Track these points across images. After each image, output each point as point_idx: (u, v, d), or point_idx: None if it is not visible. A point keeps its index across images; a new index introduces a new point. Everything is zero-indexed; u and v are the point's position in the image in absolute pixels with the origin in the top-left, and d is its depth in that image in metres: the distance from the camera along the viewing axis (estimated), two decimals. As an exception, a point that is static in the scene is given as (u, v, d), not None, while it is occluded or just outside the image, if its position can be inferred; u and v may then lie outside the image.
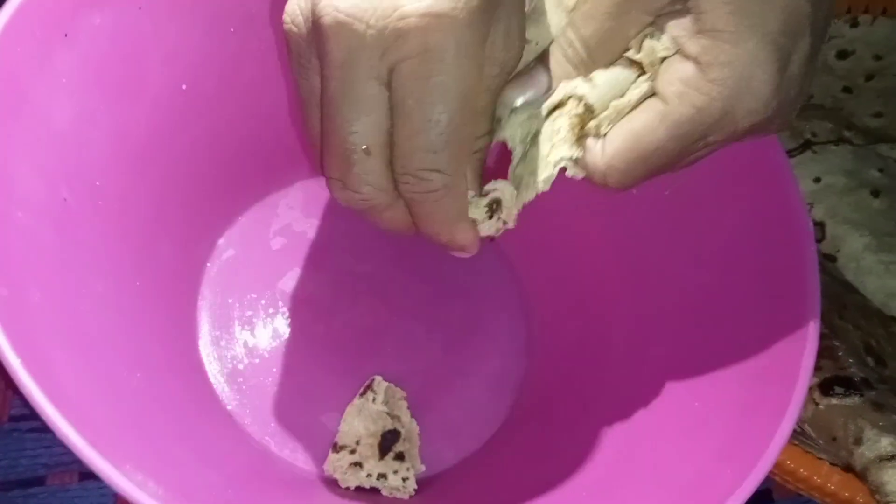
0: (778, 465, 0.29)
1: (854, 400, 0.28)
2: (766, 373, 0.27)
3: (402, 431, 0.34)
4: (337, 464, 0.32)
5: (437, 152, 0.21)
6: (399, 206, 0.24)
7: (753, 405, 0.26)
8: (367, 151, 0.22)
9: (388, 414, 0.35)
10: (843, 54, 0.49)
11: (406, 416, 0.35)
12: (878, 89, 0.47)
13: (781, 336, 0.27)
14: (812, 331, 0.26)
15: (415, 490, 0.32)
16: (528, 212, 0.39)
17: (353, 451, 0.33)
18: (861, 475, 0.28)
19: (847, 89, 0.48)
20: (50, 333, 0.24)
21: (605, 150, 0.23)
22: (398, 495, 0.32)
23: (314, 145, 0.25)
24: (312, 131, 0.24)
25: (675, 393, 0.29)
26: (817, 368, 0.30)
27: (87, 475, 0.36)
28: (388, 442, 0.33)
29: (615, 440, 0.29)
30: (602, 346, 0.34)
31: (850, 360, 0.30)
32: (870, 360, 0.31)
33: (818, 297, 0.27)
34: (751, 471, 0.23)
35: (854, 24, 0.49)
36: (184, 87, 0.33)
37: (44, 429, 0.36)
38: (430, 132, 0.21)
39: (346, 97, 0.21)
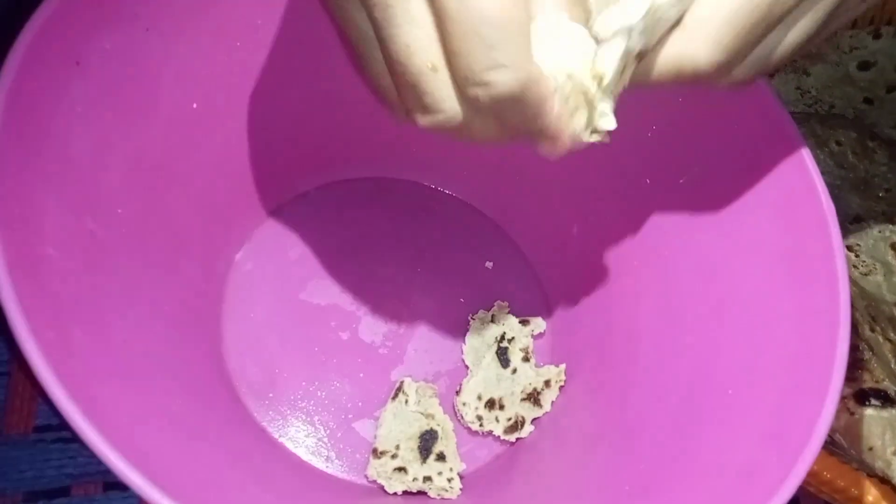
0: (814, 476, 0.29)
1: (891, 412, 0.29)
2: (801, 354, 0.27)
3: (439, 430, 0.35)
4: (380, 469, 0.33)
5: (494, 46, 0.20)
6: (486, 114, 0.22)
7: (793, 388, 0.26)
8: (433, 68, 0.21)
9: (421, 414, 0.35)
10: (864, 65, 0.49)
11: (439, 412, 0.35)
12: None
13: (813, 316, 0.27)
14: (844, 308, 0.27)
15: (461, 489, 0.33)
16: (545, 210, 0.40)
17: (394, 456, 0.33)
18: None
19: (868, 100, 0.48)
20: (95, 370, 0.23)
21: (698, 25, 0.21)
22: (446, 496, 0.32)
23: (384, 92, 0.24)
24: (377, 78, 0.24)
25: (710, 381, 0.29)
26: (853, 379, 0.30)
27: (112, 485, 0.36)
28: (427, 443, 0.34)
29: (652, 434, 0.30)
30: (629, 337, 0.34)
31: (884, 374, 0.30)
32: (901, 374, 0.32)
33: (846, 276, 0.27)
34: (799, 455, 0.23)
35: (877, 36, 0.50)
36: (195, 105, 0.33)
37: (69, 439, 0.36)
38: (481, 26, 0.20)
39: (396, 17, 0.21)
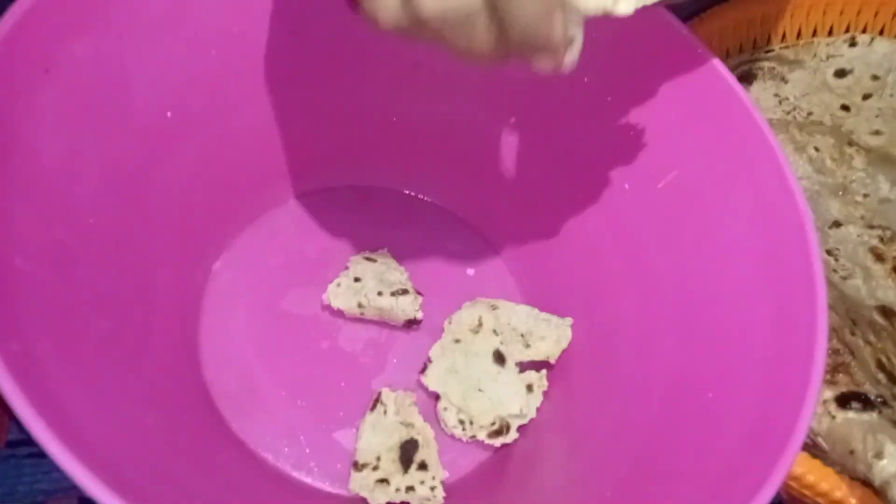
0: (797, 479, 0.29)
1: (872, 416, 0.29)
2: (779, 357, 0.27)
3: (419, 438, 0.34)
4: (362, 482, 0.32)
5: None
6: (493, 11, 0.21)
7: (772, 390, 0.26)
8: None
9: (401, 423, 0.35)
10: (841, 73, 0.50)
11: (419, 421, 0.35)
12: (876, 108, 0.49)
13: (791, 319, 0.27)
14: (821, 310, 0.27)
15: (443, 497, 0.32)
16: (525, 217, 0.40)
17: (375, 468, 0.33)
18: (880, 490, 0.28)
19: (845, 107, 0.49)
20: (63, 382, 0.23)
21: None
22: (429, 504, 0.32)
23: None
24: None
25: (690, 386, 0.29)
26: (833, 383, 0.30)
27: (87, 501, 0.35)
28: (408, 453, 0.33)
29: (634, 438, 0.30)
30: (609, 343, 0.34)
31: (864, 377, 0.30)
32: (882, 377, 0.32)
33: (823, 279, 0.27)
34: (779, 458, 0.23)
35: (853, 44, 0.51)
36: (169, 114, 0.32)
37: (42, 454, 0.35)
38: None
39: None
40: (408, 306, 0.37)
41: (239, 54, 0.33)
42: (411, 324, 0.38)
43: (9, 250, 0.24)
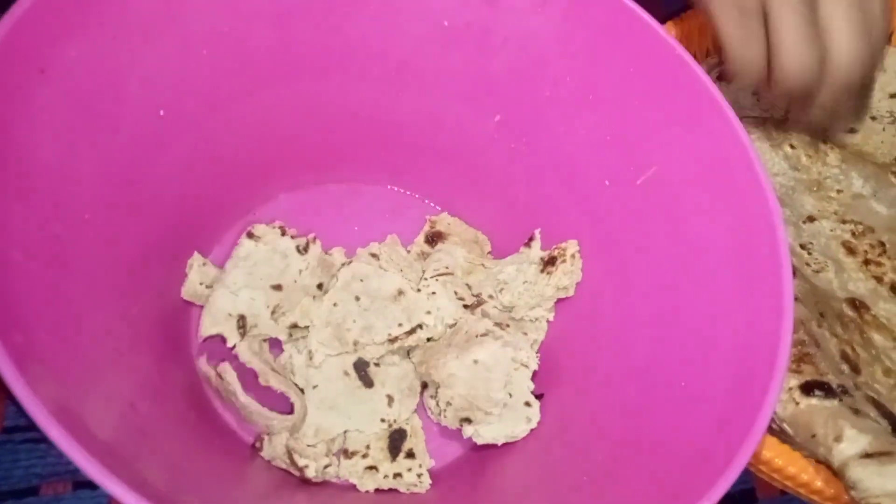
0: (766, 463, 0.30)
1: (833, 403, 0.30)
2: (748, 347, 0.28)
3: (408, 428, 0.35)
4: (352, 469, 0.33)
5: None
6: None
7: (739, 380, 0.27)
8: None
9: (391, 414, 0.36)
10: None
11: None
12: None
13: (759, 312, 0.29)
14: (787, 304, 0.28)
15: (430, 484, 0.33)
16: (510, 212, 0.41)
17: (364, 456, 0.34)
18: (838, 472, 0.29)
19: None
20: (61, 372, 0.24)
21: None
22: (416, 490, 0.33)
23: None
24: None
25: (664, 375, 0.30)
26: (798, 372, 0.31)
27: (81, 484, 0.36)
28: (396, 442, 0.34)
29: (610, 426, 0.31)
30: (588, 335, 0.36)
31: (828, 368, 0.32)
32: (845, 368, 0.33)
33: (790, 274, 0.29)
34: (743, 443, 0.25)
35: None
36: (161, 112, 0.33)
37: (37, 439, 0.36)
38: None
39: None
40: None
41: (230, 54, 0.34)
42: None
43: (7, 246, 0.24)
